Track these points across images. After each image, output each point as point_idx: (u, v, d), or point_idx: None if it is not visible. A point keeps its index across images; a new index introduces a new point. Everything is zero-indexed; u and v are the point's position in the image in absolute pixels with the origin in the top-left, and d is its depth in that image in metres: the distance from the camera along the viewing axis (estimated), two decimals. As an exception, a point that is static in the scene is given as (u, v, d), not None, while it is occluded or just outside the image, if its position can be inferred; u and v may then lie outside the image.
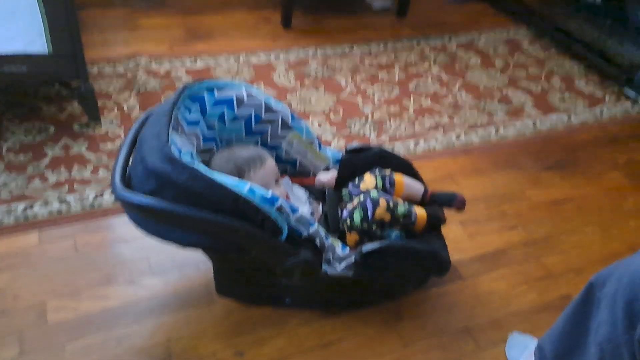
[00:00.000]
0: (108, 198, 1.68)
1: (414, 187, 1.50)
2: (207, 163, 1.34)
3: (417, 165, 1.55)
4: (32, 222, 1.58)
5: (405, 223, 1.37)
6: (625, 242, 1.78)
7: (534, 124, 2.30)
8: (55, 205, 1.64)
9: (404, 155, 1.98)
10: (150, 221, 1.18)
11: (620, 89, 2.59)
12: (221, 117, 1.39)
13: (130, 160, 1.22)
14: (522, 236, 1.75)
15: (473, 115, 2.30)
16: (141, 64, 2.34)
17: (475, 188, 1.91)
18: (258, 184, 1.22)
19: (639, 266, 0.93)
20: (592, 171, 2.08)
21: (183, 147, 1.20)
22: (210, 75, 2.34)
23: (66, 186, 1.71)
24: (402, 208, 1.36)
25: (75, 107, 2.02)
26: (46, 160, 1.79)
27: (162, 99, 2.15)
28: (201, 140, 1.35)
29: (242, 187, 1.14)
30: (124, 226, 1.60)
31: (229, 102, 1.38)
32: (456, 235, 1.70)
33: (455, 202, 1.50)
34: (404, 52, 2.70)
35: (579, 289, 1.11)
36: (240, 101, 1.39)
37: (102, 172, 1.77)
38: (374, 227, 1.33)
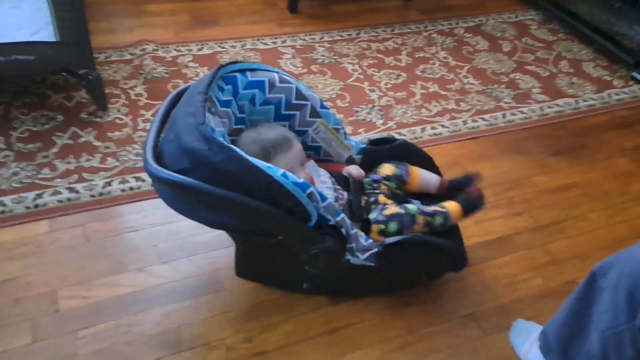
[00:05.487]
0: (117, 186, 1.70)
1: (429, 179, 1.52)
2: (234, 144, 1.34)
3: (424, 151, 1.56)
4: (42, 210, 1.60)
5: (444, 230, 1.40)
6: (632, 228, 1.78)
7: (541, 108, 2.29)
8: (65, 194, 1.66)
9: (413, 140, 1.99)
10: (181, 200, 1.18)
11: (628, 73, 2.57)
12: (252, 100, 1.39)
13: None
14: (528, 222, 1.75)
15: (480, 100, 2.29)
16: (147, 50, 2.34)
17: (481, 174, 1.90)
18: (284, 167, 1.22)
19: (642, 256, 0.94)
20: (599, 156, 2.07)
21: (217, 128, 1.20)
22: (216, 62, 2.34)
23: (75, 175, 1.73)
24: (439, 219, 1.38)
25: (82, 95, 2.03)
26: (55, 149, 1.81)
27: (169, 86, 2.15)
28: (233, 121, 1.35)
29: (276, 171, 1.14)
30: (133, 214, 1.62)
31: (260, 85, 1.38)
32: (463, 221, 1.71)
33: (472, 180, 1.53)
34: (411, 37, 2.68)
35: (584, 275, 1.12)
36: (272, 85, 1.39)
37: (110, 161, 1.79)
38: None
